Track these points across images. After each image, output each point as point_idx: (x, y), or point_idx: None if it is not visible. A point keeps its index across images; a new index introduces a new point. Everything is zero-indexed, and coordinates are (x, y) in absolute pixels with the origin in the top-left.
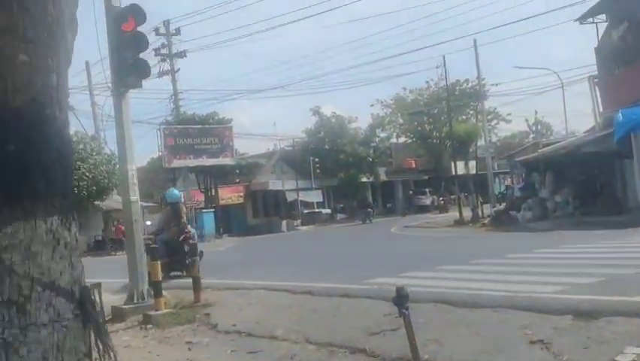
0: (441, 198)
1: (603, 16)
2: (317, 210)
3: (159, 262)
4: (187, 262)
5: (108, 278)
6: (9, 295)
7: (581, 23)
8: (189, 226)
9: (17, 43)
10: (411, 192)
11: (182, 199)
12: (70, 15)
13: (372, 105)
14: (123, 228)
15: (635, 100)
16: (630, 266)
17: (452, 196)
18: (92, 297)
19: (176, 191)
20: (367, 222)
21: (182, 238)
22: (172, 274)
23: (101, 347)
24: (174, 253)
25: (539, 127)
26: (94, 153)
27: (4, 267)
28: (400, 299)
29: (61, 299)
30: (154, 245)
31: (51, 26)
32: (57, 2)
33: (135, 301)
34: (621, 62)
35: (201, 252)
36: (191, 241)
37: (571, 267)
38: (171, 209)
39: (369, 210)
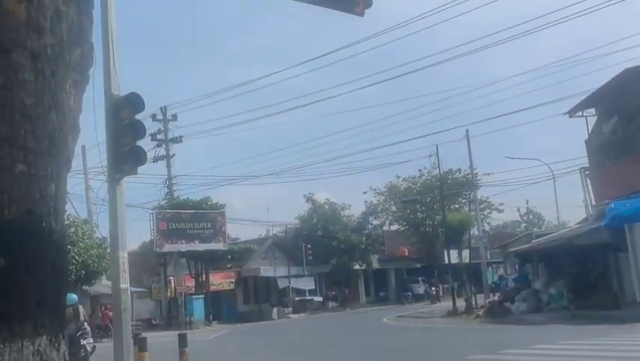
0: (433, 288)
1: (592, 110)
2: (309, 297)
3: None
4: (81, 355)
5: None
6: None
7: (570, 117)
8: (85, 324)
9: (17, 153)
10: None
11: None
12: (73, 121)
13: (365, 193)
14: (110, 313)
15: (627, 192)
16: None
17: (446, 285)
18: None
19: (74, 295)
20: (406, 303)
21: (78, 333)
22: None
23: None
24: (70, 345)
25: (531, 217)
26: (85, 237)
27: None
28: None
29: None
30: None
31: (52, 134)
32: (61, 110)
33: None
34: (612, 154)
35: (94, 346)
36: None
37: None
38: (72, 310)
39: (409, 293)
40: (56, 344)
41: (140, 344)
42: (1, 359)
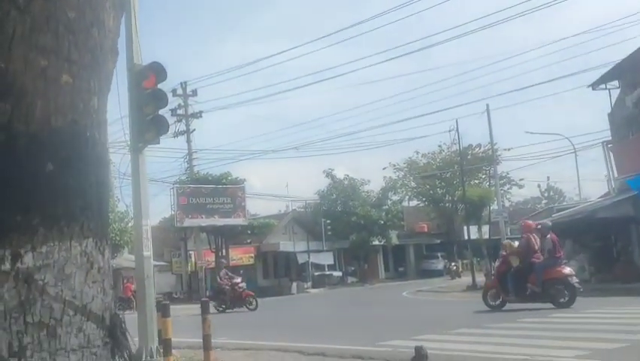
0: (453, 264)
1: (616, 83)
2: (328, 272)
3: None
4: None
5: None
6: (40, 317)
7: (593, 89)
8: None
9: (62, 64)
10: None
11: None
12: (112, 43)
13: (384, 168)
14: (132, 286)
15: None
16: None
17: (465, 261)
18: (123, 325)
19: None
20: (456, 278)
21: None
22: None
23: None
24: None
25: (551, 193)
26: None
27: (36, 287)
28: (419, 359)
29: (92, 325)
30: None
31: (94, 50)
32: (101, 28)
33: (144, 359)
34: (635, 127)
35: None
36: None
37: (589, 332)
38: None
39: (454, 264)
40: (101, 248)
41: (164, 311)
42: (52, 256)
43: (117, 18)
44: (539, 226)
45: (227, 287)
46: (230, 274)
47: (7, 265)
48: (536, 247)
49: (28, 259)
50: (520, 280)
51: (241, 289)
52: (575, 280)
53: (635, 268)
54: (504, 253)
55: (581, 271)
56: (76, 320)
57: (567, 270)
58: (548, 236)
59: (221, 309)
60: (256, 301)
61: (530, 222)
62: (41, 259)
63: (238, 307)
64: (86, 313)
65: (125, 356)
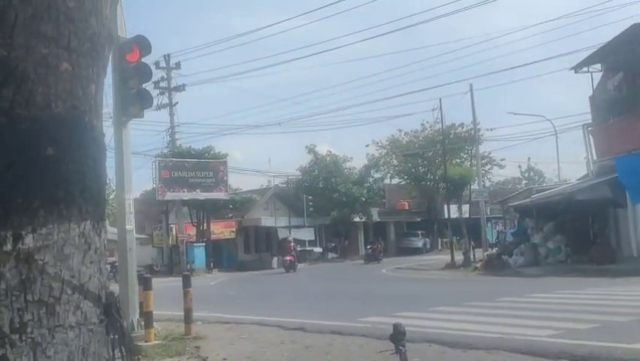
0: (369, 247)
1: (598, 66)
2: (308, 248)
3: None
4: None
5: None
6: (40, 295)
7: (576, 72)
8: None
9: (62, 52)
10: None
11: None
12: (108, 30)
13: (367, 145)
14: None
15: (629, 149)
16: (624, 314)
17: (444, 239)
18: (117, 304)
19: None
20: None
21: None
22: None
23: (124, 353)
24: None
25: (532, 174)
26: None
27: (36, 267)
28: (397, 336)
29: (89, 303)
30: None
31: (92, 38)
32: (99, 16)
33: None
34: (616, 111)
35: None
36: None
37: (564, 312)
38: None
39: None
40: (98, 230)
41: (146, 284)
42: (52, 237)
43: (113, 5)
44: None
45: None
46: None
47: (8, 246)
48: None
49: (28, 240)
50: None
51: None
52: None
53: (611, 250)
54: None
55: (558, 251)
56: (74, 299)
57: None
58: None
59: None
60: None
61: None
62: (41, 240)
63: None
64: (84, 291)
65: (119, 333)
